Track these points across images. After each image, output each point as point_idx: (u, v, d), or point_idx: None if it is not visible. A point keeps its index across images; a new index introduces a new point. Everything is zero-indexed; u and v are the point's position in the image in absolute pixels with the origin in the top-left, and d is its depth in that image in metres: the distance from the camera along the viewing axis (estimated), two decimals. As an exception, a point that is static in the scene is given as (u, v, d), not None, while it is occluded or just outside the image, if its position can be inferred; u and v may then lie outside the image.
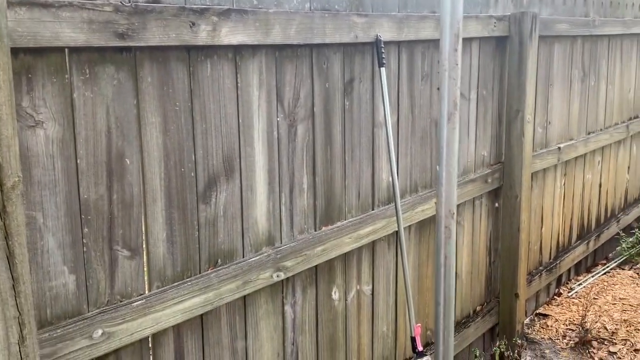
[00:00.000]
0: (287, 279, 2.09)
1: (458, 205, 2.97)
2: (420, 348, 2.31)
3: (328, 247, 2.19)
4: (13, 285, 1.23)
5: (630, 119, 4.77)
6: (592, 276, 4.30)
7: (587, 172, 4.20)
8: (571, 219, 4.11)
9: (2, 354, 1.24)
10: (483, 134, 3.08)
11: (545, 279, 3.75)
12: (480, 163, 3.10)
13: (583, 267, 4.41)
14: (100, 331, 1.52)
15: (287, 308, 2.12)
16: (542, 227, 3.74)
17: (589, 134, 4.12)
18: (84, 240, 1.50)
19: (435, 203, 2.55)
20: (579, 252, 4.15)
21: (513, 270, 3.26)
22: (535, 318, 3.77)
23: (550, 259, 3.91)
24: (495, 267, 3.36)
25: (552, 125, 3.66)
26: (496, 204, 3.27)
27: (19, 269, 1.23)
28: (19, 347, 1.26)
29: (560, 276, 4.09)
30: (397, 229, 2.43)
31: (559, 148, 3.67)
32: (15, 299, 1.24)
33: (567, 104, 3.81)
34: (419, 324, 2.35)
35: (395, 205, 2.35)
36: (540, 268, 3.78)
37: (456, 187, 1.80)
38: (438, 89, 1.83)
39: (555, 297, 4.02)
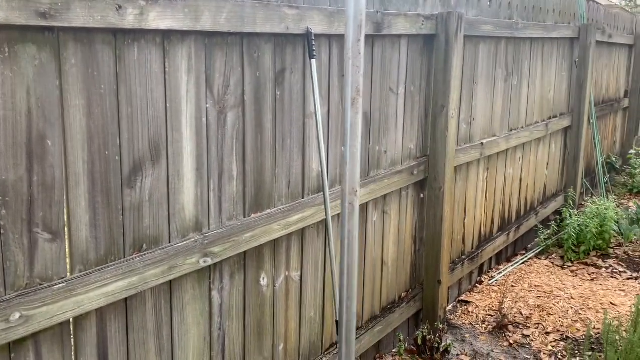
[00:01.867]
0: (215, 264, 2.12)
1: (385, 196, 3.08)
2: (344, 331, 2.40)
3: (257, 233, 2.23)
4: None
5: (550, 117, 5.08)
6: (512, 265, 4.56)
7: (509, 167, 4.45)
8: (493, 211, 4.34)
9: None
10: (410, 128, 3.21)
11: (467, 268, 3.95)
12: (408, 155, 3.23)
13: (504, 256, 4.67)
14: (17, 314, 1.50)
15: (215, 293, 2.15)
16: (465, 218, 3.93)
17: (511, 130, 4.36)
18: (2, 222, 1.47)
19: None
20: (499, 243, 4.39)
21: (436, 259, 3.42)
22: (458, 305, 3.97)
23: (472, 248, 4.12)
24: (420, 256, 3.51)
25: (476, 122, 3.85)
26: (422, 195, 3.41)
27: None
28: None
29: (482, 265, 4.32)
30: (325, 217, 2.50)
31: (482, 143, 3.86)
32: None
33: (491, 102, 4.01)
34: (344, 308, 2.44)
35: (324, 194, 2.42)
36: (463, 257, 3.98)
37: (359, 168, 1.87)
38: (343, 75, 1.94)
39: (477, 284, 4.24)
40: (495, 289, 4.17)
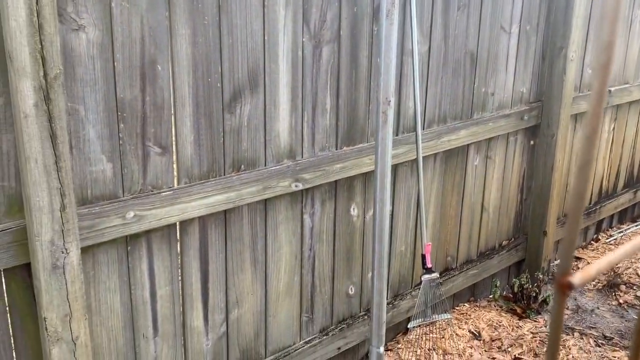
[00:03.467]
0: (307, 190, 2.29)
1: (489, 140, 3.02)
2: (429, 265, 2.47)
3: (347, 165, 2.35)
4: (56, 161, 1.48)
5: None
6: (636, 225, 4.23)
7: (643, 119, 4.06)
8: (619, 166, 4.03)
9: (47, 217, 1.51)
10: (523, 70, 3.07)
11: (581, 223, 3.75)
12: (518, 99, 3.11)
13: (628, 215, 4.34)
14: (132, 213, 1.78)
15: (306, 217, 2.33)
16: (583, 171, 3.70)
17: (648, 79, 3.95)
18: (120, 135, 1.74)
19: (460, 136, 2.63)
20: (623, 200, 4.08)
21: (543, 209, 3.30)
22: (567, 260, 3.81)
23: (590, 203, 3.89)
24: (527, 205, 3.41)
25: (604, 67, 3.55)
26: (532, 142, 3.28)
27: (61, 148, 1.49)
28: (61, 214, 1.53)
29: (601, 222, 4.06)
30: (417, 156, 2.54)
31: (610, 91, 3.57)
32: (58, 173, 1.49)
33: (624, 45, 3.66)
34: (430, 243, 2.50)
35: (416, 132, 2.46)
36: (578, 211, 3.78)
37: (393, 79, 1.85)
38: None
39: (592, 242, 4.01)
40: (612, 247, 3.92)
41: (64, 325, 1.60)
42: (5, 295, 1.61)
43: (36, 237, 1.51)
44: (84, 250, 1.71)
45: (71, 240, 1.57)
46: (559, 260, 3.33)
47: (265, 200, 2.17)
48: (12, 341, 1.65)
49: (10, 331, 1.64)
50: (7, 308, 1.62)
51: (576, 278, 0.42)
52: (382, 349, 2.00)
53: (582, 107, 3.40)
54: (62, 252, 1.56)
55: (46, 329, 1.58)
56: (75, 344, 1.64)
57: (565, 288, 0.42)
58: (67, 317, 1.60)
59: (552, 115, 3.15)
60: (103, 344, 1.84)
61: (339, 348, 2.56)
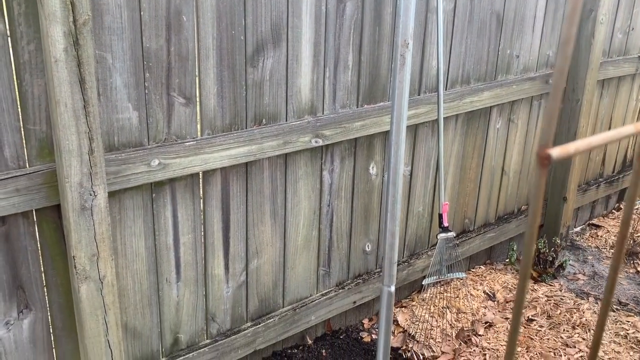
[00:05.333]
0: (326, 146, 2.32)
1: (513, 102, 3.00)
2: (445, 224, 2.50)
3: (367, 123, 2.37)
4: (84, 106, 1.54)
5: None
6: (660, 196, 4.18)
7: (673, 88, 3.97)
8: (645, 135, 3.96)
9: (76, 160, 1.58)
10: (550, 33, 3.02)
11: (603, 191, 3.72)
12: (544, 63, 3.06)
13: (652, 186, 4.28)
14: (157, 161, 1.84)
15: (325, 173, 2.36)
16: (608, 138, 3.66)
17: (681, 45, 3.84)
18: (146, 84, 1.79)
19: (481, 97, 2.61)
20: (648, 170, 4.03)
21: (565, 174, 3.29)
22: (587, 228, 3.80)
23: (613, 172, 3.85)
24: (548, 171, 3.39)
25: (635, 32, 3.46)
26: (556, 107, 3.24)
27: (89, 93, 1.54)
28: (89, 157, 1.59)
29: (623, 191, 4.02)
30: (437, 116, 2.54)
31: (638, 57, 3.49)
32: (86, 117, 1.55)
33: (658, 9, 3.55)
34: (447, 202, 2.52)
35: (438, 92, 2.45)
36: (600, 180, 3.75)
37: (412, 21, 1.83)
38: None
39: (613, 210, 3.99)
40: (635, 217, 3.89)
41: (92, 264, 1.69)
42: (37, 234, 1.69)
43: (66, 179, 1.58)
44: (111, 195, 1.78)
45: (99, 183, 1.64)
46: (579, 228, 3.30)
47: (286, 154, 2.21)
48: (44, 278, 1.74)
49: (42, 269, 1.73)
50: (39, 247, 1.71)
51: (555, 151, 0.46)
52: (392, 288, 2.06)
53: (610, 72, 3.34)
54: (90, 195, 1.63)
55: (75, 267, 1.66)
56: (102, 282, 1.72)
57: (544, 160, 0.45)
58: (94, 257, 1.69)
59: (578, 80, 3.11)
60: (128, 286, 1.93)
61: (354, 302, 2.63)
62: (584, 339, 2.70)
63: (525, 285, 0.50)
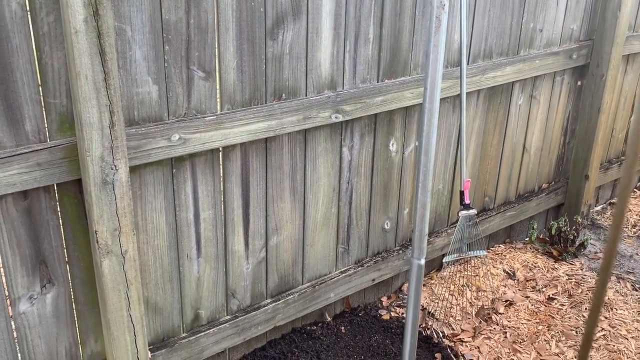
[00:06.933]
0: (346, 122, 2.28)
1: (535, 78, 2.93)
2: (467, 201, 2.46)
3: (388, 98, 2.33)
4: (104, 78, 1.52)
5: None
6: (684, 175, 4.09)
7: (700, 63, 3.85)
8: (670, 112, 3.86)
9: (97, 133, 1.56)
10: (575, 6, 2.94)
11: (625, 169, 3.65)
12: (568, 37, 2.98)
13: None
14: (177, 136, 1.82)
15: (345, 150, 2.33)
16: (631, 116, 3.58)
17: None
18: (165, 57, 1.76)
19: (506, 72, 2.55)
20: (672, 148, 3.94)
21: (587, 152, 3.22)
22: (608, 206, 3.74)
23: (636, 150, 3.77)
24: (570, 148, 3.33)
25: (662, 5, 3.36)
26: (579, 83, 3.17)
27: (109, 65, 1.51)
28: (110, 130, 1.57)
29: (646, 170, 3.95)
30: (460, 91, 2.49)
31: (667, 31, 3.39)
32: (107, 90, 1.53)
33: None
34: (469, 179, 2.48)
35: (461, 66, 2.40)
36: (622, 158, 3.68)
37: None
38: None
39: (636, 190, 3.92)
40: (657, 196, 3.82)
41: (114, 239, 1.68)
42: (59, 209, 1.69)
43: (87, 153, 1.57)
44: (132, 170, 1.77)
45: (120, 157, 1.62)
46: (600, 207, 3.25)
47: (305, 130, 2.17)
48: (66, 253, 1.74)
49: (64, 244, 1.73)
50: (61, 222, 1.70)
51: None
52: (422, 261, 2.04)
53: (635, 47, 3.25)
54: (112, 169, 1.62)
55: (97, 241, 1.66)
56: (124, 257, 1.72)
57: None
58: (116, 232, 1.68)
59: (603, 54, 3.03)
60: (149, 261, 1.92)
61: (373, 280, 2.61)
62: (606, 317, 2.66)
63: (613, 248, 0.47)
